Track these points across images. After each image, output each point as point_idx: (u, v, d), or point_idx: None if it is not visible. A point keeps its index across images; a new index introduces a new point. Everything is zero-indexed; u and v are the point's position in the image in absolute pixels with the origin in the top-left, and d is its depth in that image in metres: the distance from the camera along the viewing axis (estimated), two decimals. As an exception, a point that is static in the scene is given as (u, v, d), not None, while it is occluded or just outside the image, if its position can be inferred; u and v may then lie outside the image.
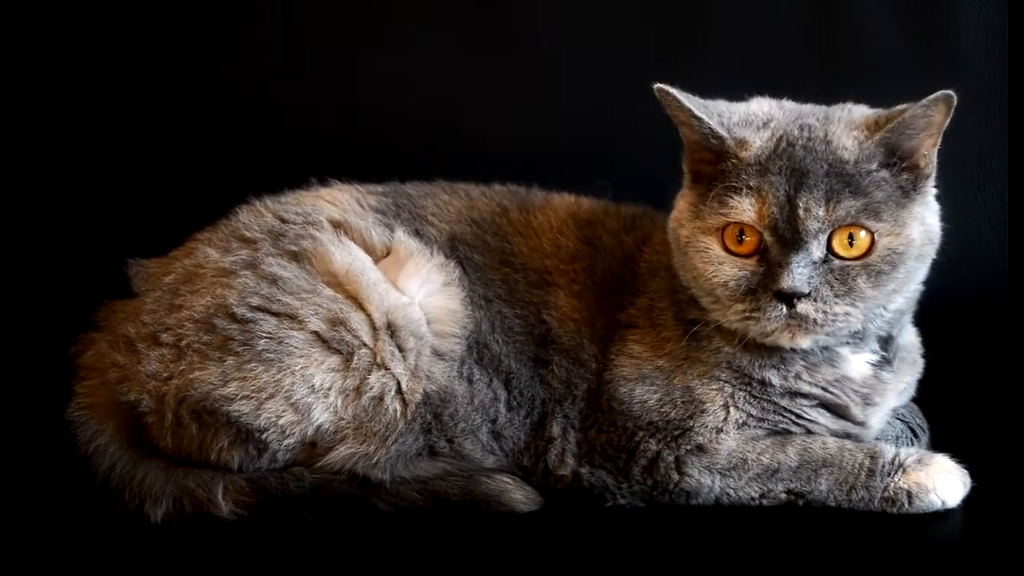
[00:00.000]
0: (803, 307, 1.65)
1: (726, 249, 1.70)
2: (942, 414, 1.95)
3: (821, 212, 1.64)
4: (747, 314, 1.68)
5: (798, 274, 1.64)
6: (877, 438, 1.82)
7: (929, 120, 1.66)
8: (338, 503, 1.76)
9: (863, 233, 1.65)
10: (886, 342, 1.78)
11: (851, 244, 1.65)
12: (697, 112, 1.70)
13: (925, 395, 1.94)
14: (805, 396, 1.76)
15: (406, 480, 1.79)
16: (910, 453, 1.74)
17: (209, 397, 1.73)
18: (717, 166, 1.72)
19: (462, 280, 1.86)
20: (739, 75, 2.45)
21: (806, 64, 2.46)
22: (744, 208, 1.67)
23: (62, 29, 2.61)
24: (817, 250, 1.65)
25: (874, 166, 1.66)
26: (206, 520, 1.73)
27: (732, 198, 1.68)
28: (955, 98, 1.65)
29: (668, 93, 1.70)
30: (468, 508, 1.78)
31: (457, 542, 1.71)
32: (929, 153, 1.70)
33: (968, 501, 1.72)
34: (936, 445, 1.88)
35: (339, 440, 1.76)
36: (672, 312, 1.80)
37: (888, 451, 1.74)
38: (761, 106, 1.78)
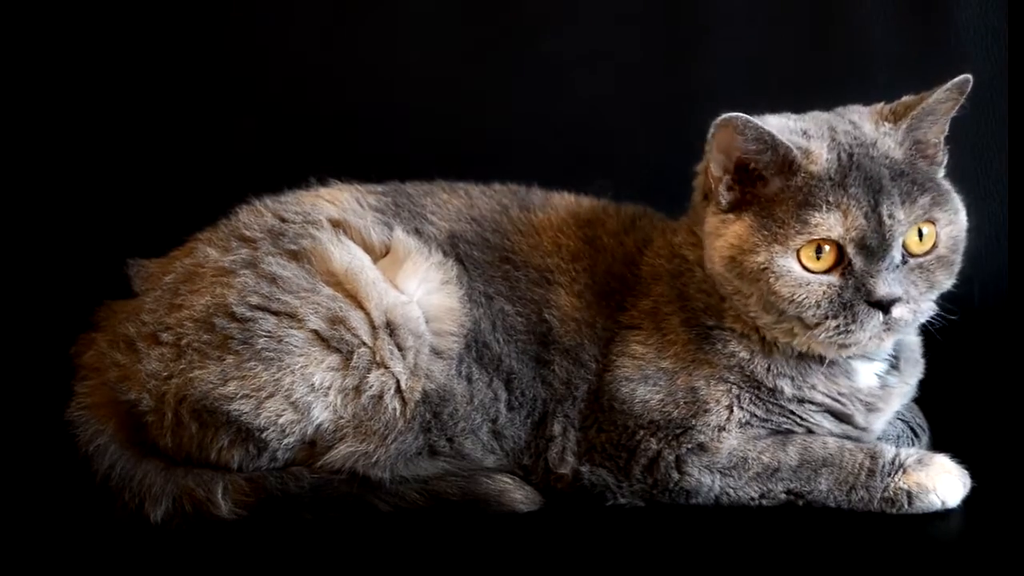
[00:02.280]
0: (898, 311, 1.66)
1: (805, 269, 1.68)
2: (942, 414, 1.95)
3: (902, 216, 1.65)
4: (842, 328, 1.67)
5: (892, 280, 1.65)
6: (878, 438, 1.82)
7: (947, 106, 1.70)
8: (338, 503, 1.76)
9: (927, 227, 1.67)
10: (898, 342, 1.79)
11: (921, 239, 1.67)
12: (777, 135, 1.66)
13: (925, 395, 1.93)
14: (813, 403, 1.76)
15: (406, 479, 1.79)
16: (910, 453, 1.74)
17: (209, 396, 1.73)
18: (778, 185, 1.69)
19: (461, 278, 1.86)
20: (739, 75, 2.46)
21: (806, 64, 2.46)
22: (831, 224, 1.65)
23: (62, 29, 2.61)
24: (897, 255, 1.66)
25: (918, 161, 1.71)
26: (206, 520, 1.73)
27: (813, 215, 1.66)
28: (971, 82, 1.70)
29: (747, 121, 1.65)
30: (468, 508, 1.77)
31: (457, 542, 1.71)
32: (939, 141, 1.73)
33: (968, 501, 1.72)
34: (936, 445, 1.87)
35: (339, 439, 1.75)
36: (679, 317, 1.80)
37: (888, 451, 1.74)
38: (779, 121, 1.76)
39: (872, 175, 1.66)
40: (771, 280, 1.68)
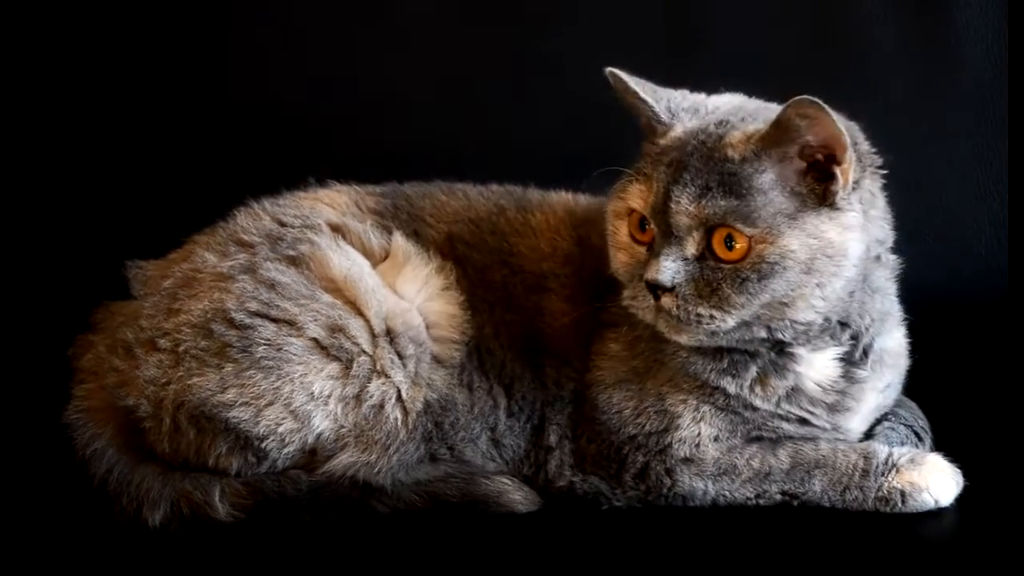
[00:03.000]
0: (665, 301, 1.65)
1: (630, 235, 1.71)
2: (941, 414, 1.95)
3: (692, 208, 1.62)
4: (630, 300, 1.70)
5: (664, 267, 1.63)
6: (880, 442, 1.81)
7: (799, 127, 1.60)
8: (336, 505, 1.75)
9: (741, 237, 1.61)
10: (854, 339, 1.75)
11: (729, 247, 1.62)
12: (642, 94, 1.71)
13: (925, 395, 1.94)
14: (755, 406, 1.75)
15: (405, 482, 1.79)
16: (903, 453, 1.74)
17: (207, 403, 1.72)
18: (649, 148, 1.72)
19: (461, 283, 1.86)
20: (739, 75, 2.44)
21: (806, 64, 2.46)
22: (634, 194, 1.69)
23: (62, 29, 2.61)
24: (692, 247, 1.64)
25: (762, 169, 1.62)
26: (204, 523, 1.73)
27: (632, 183, 1.70)
28: (822, 105, 1.56)
29: (618, 77, 1.72)
30: (467, 509, 1.77)
31: (456, 543, 1.71)
32: (844, 168, 1.62)
33: (961, 500, 1.72)
34: (934, 445, 1.87)
35: (340, 448, 1.75)
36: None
37: (881, 451, 1.74)
38: (722, 100, 1.76)
39: (685, 160, 1.64)
40: (608, 235, 1.74)
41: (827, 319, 1.69)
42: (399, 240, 1.86)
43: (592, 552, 1.68)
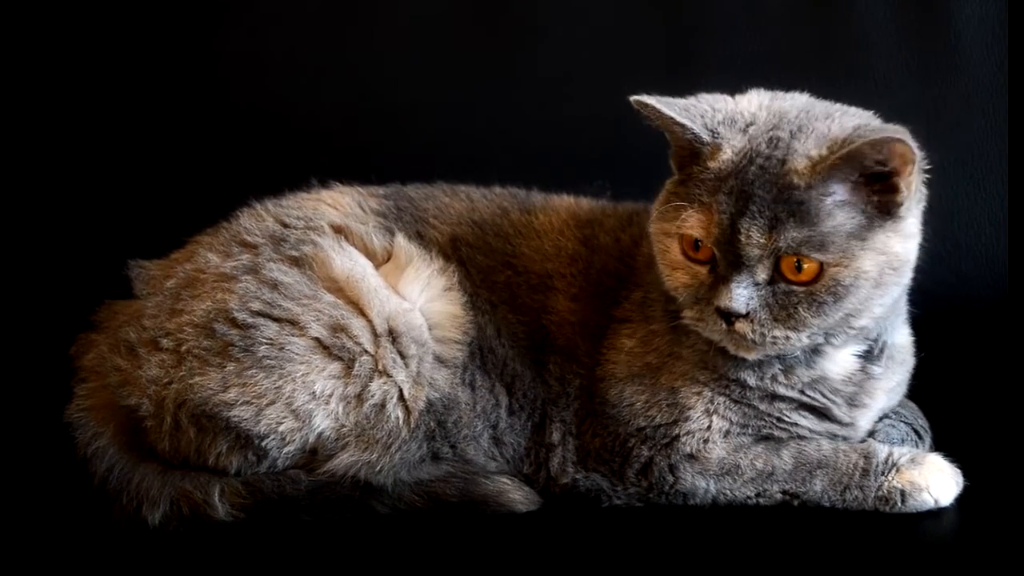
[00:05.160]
0: (740, 326, 1.64)
1: (684, 253, 1.69)
2: (941, 414, 1.95)
3: (762, 240, 1.60)
4: (695, 320, 1.69)
5: (736, 295, 1.62)
6: (881, 441, 1.81)
7: (882, 156, 1.59)
8: (335, 505, 1.76)
9: (810, 261, 1.60)
10: (873, 340, 1.76)
11: (799, 270, 1.61)
12: (679, 119, 1.67)
13: (925, 395, 1.94)
14: (783, 399, 1.75)
15: (406, 482, 1.79)
16: (903, 452, 1.75)
17: (209, 402, 1.72)
18: (696, 168, 1.69)
19: (464, 284, 1.86)
20: (739, 75, 2.45)
21: (806, 64, 2.46)
22: (693, 224, 1.65)
23: (62, 29, 2.61)
24: (762, 272, 1.63)
25: (830, 193, 1.60)
26: (203, 522, 1.73)
27: (687, 209, 1.66)
28: (906, 141, 1.57)
29: (646, 104, 1.67)
30: (467, 509, 1.77)
31: (456, 543, 1.71)
32: (908, 180, 1.62)
33: (961, 500, 1.73)
34: (934, 444, 1.88)
35: (341, 447, 1.75)
36: (662, 303, 1.79)
37: (881, 451, 1.74)
38: (752, 102, 1.74)
39: (749, 190, 1.61)
40: (657, 250, 1.72)
41: (877, 322, 1.71)
42: (401, 241, 1.86)
43: (592, 552, 1.68)
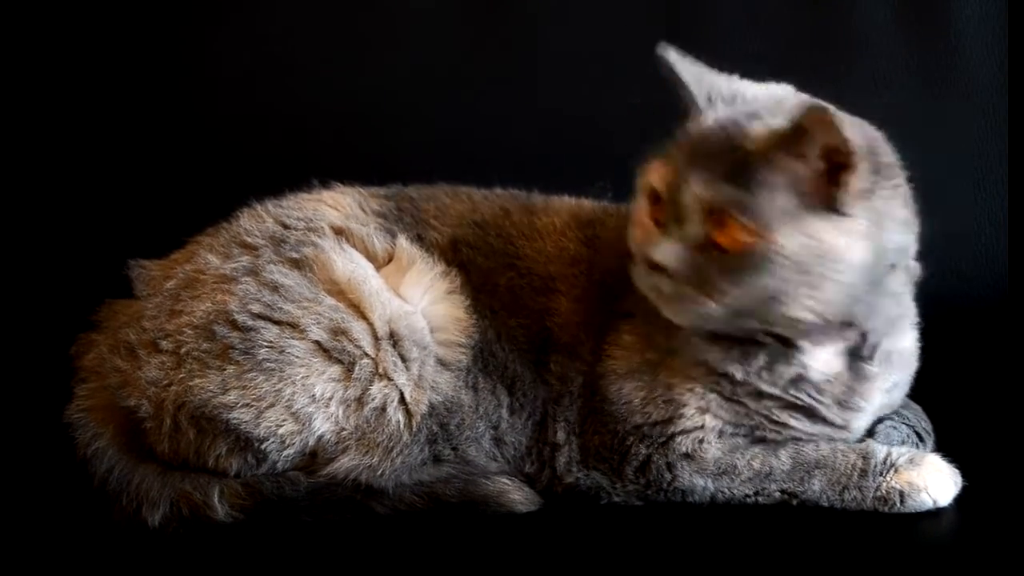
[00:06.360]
0: (661, 280, 1.66)
1: (649, 212, 1.71)
2: (940, 414, 1.95)
3: (698, 191, 1.62)
4: (635, 275, 1.71)
5: (664, 247, 1.64)
6: (881, 442, 1.81)
7: (813, 131, 1.58)
8: (335, 506, 1.75)
9: (740, 228, 1.60)
10: (860, 336, 1.74)
11: (728, 237, 1.61)
12: (684, 78, 1.71)
13: (925, 395, 1.94)
14: (769, 397, 1.75)
15: (406, 484, 1.79)
16: (902, 453, 1.74)
17: (208, 404, 1.72)
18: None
19: (465, 286, 1.86)
20: (739, 75, 2.45)
21: (806, 64, 2.46)
22: (654, 174, 1.69)
23: (63, 29, 2.61)
24: (694, 229, 1.63)
25: (776, 166, 1.60)
26: (203, 524, 1.73)
27: (655, 161, 1.71)
28: (820, 109, 1.56)
29: (664, 59, 1.72)
30: (467, 509, 1.77)
31: (456, 543, 1.71)
32: (854, 175, 1.60)
33: (960, 500, 1.73)
34: (936, 444, 1.88)
35: (341, 451, 1.75)
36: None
37: (880, 451, 1.74)
38: (766, 91, 1.76)
39: (706, 145, 1.64)
40: (632, 212, 1.74)
41: (824, 319, 1.67)
42: (403, 243, 1.86)
43: (592, 552, 1.68)
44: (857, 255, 1.63)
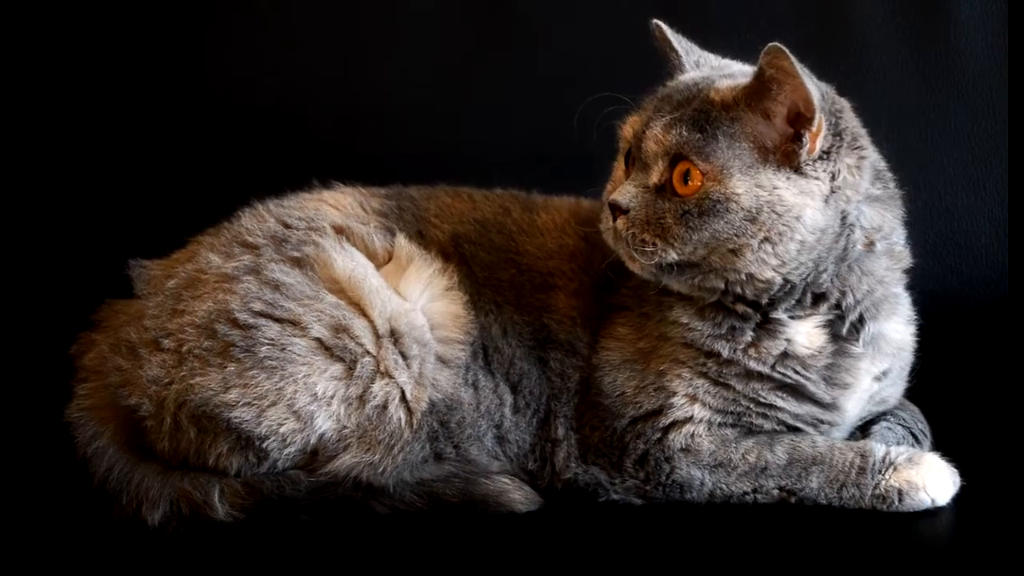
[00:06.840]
0: (618, 222, 1.71)
1: (624, 170, 1.78)
2: (940, 413, 1.95)
3: (658, 133, 1.69)
4: (601, 224, 1.76)
5: (625, 190, 1.71)
6: (877, 440, 1.81)
7: (774, 80, 1.63)
8: (335, 505, 1.76)
9: (697, 174, 1.66)
10: (837, 310, 1.75)
11: (685, 183, 1.67)
12: (674, 43, 1.83)
13: (924, 395, 1.94)
14: (758, 377, 1.75)
15: (406, 483, 1.79)
16: (900, 451, 1.75)
17: (209, 403, 1.72)
18: None
19: (466, 283, 1.86)
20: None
21: (806, 63, 2.46)
22: (628, 126, 1.78)
23: (63, 29, 2.61)
24: (655, 175, 1.70)
25: (737, 118, 1.66)
26: (203, 523, 1.73)
27: (631, 115, 1.79)
28: (778, 49, 1.60)
29: (660, 27, 1.85)
30: (467, 509, 1.77)
31: (456, 543, 1.71)
32: (814, 131, 1.65)
33: (958, 499, 1.73)
34: (934, 444, 1.88)
35: (343, 449, 1.75)
36: (655, 287, 1.80)
37: (878, 449, 1.74)
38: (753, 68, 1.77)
39: (672, 97, 1.74)
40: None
41: (787, 281, 1.71)
42: (402, 242, 1.87)
43: (592, 552, 1.68)
44: (811, 215, 1.67)
